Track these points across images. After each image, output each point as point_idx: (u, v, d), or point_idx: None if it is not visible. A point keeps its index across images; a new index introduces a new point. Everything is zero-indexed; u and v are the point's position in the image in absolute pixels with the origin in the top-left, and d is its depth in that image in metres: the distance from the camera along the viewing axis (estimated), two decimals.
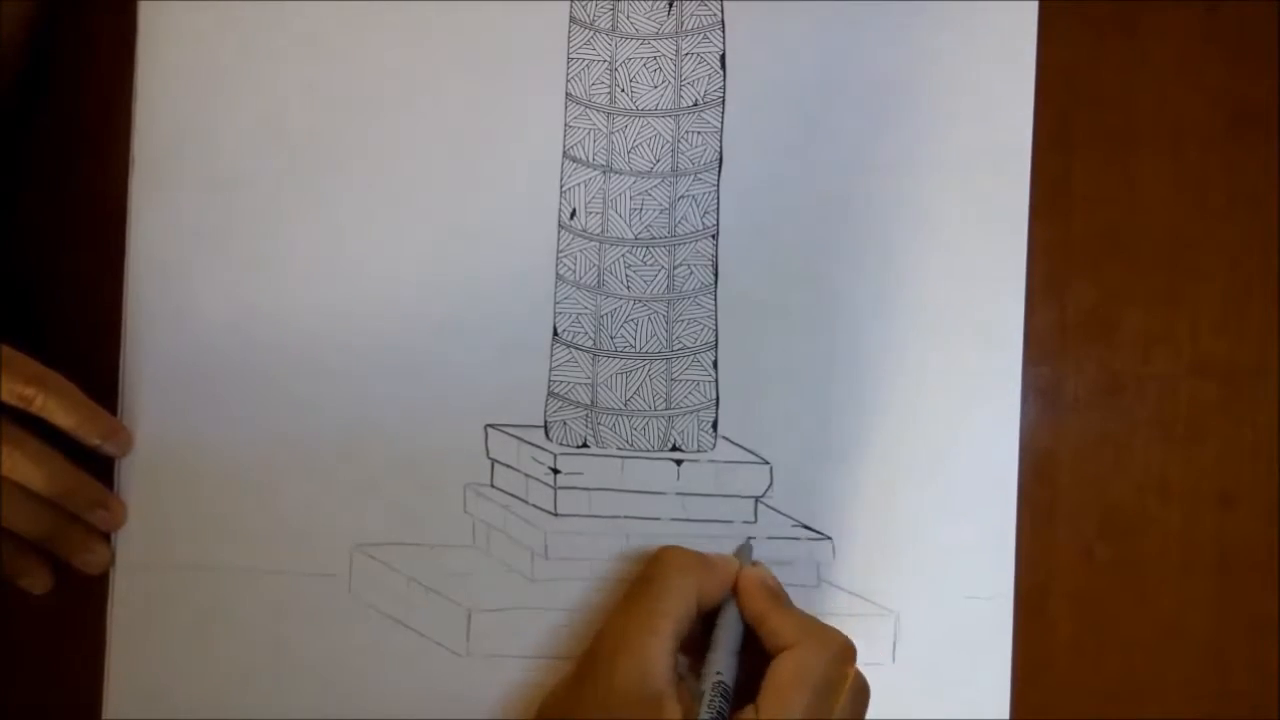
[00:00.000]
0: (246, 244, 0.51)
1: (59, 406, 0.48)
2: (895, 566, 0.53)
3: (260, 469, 0.51)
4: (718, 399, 0.52)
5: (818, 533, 0.52)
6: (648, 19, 0.52)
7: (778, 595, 0.49)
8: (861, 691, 0.46)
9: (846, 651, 0.46)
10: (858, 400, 0.53)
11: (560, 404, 0.52)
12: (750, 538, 0.51)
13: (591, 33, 0.52)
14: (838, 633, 0.47)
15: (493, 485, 0.52)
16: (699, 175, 0.52)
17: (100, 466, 0.50)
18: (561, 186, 0.52)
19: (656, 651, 0.45)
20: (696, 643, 0.48)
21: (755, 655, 0.47)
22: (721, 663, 0.46)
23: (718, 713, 0.44)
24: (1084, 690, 0.54)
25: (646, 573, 0.48)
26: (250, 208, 0.51)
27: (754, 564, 0.50)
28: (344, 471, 0.51)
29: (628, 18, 0.52)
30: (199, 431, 0.51)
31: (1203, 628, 0.55)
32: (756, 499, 0.52)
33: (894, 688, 0.52)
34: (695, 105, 0.52)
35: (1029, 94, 0.53)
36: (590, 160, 0.52)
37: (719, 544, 0.52)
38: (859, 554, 0.52)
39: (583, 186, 0.52)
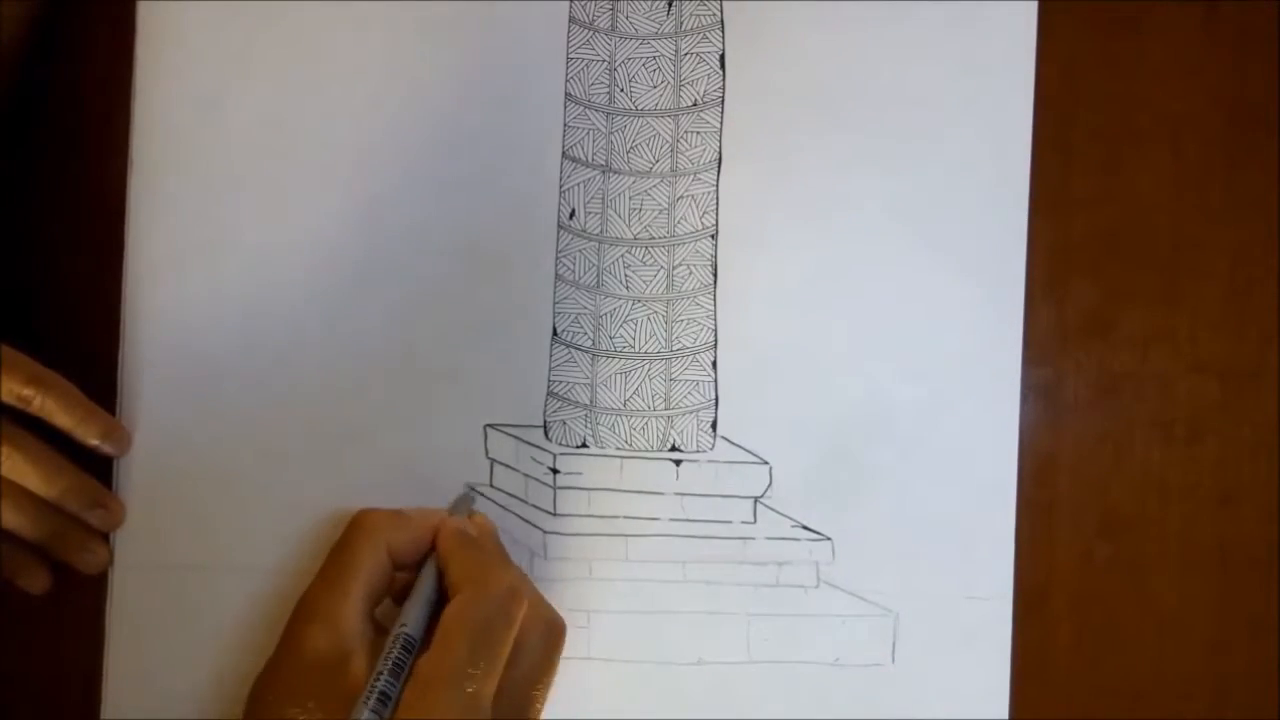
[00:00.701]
0: (246, 244, 0.51)
1: (58, 406, 0.48)
2: (895, 566, 0.52)
3: (259, 469, 0.51)
4: (717, 399, 0.52)
5: (818, 533, 0.52)
6: (647, 19, 0.52)
7: (471, 543, 0.48)
8: (551, 630, 0.47)
9: (509, 594, 0.45)
10: (857, 400, 0.53)
11: (559, 404, 0.52)
12: (471, 486, 0.51)
13: (591, 32, 0.52)
14: (504, 575, 0.46)
15: (492, 485, 0.52)
16: (698, 175, 0.52)
17: (100, 466, 0.50)
18: (561, 186, 0.52)
19: (345, 611, 0.46)
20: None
21: None
22: (410, 614, 0.45)
23: (394, 663, 0.44)
24: (1084, 690, 0.54)
25: (341, 538, 0.48)
26: (250, 208, 0.51)
27: (471, 515, 0.50)
28: (344, 471, 0.51)
29: (627, 18, 0.52)
30: (198, 431, 0.51)
31: (1203, 627, 0.55)
32: (756, 499, 0.52)
33: (894, 688, 0.52)
34: (695, 105, 0.52)
35: (1029, 94, 0.53)
36: (589, 160, 0.52)
37: (718, 545, 0.52)
38: (859, 554, 0.52)
39: (582, 186, 0.52)
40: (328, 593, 0.46)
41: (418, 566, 0.48)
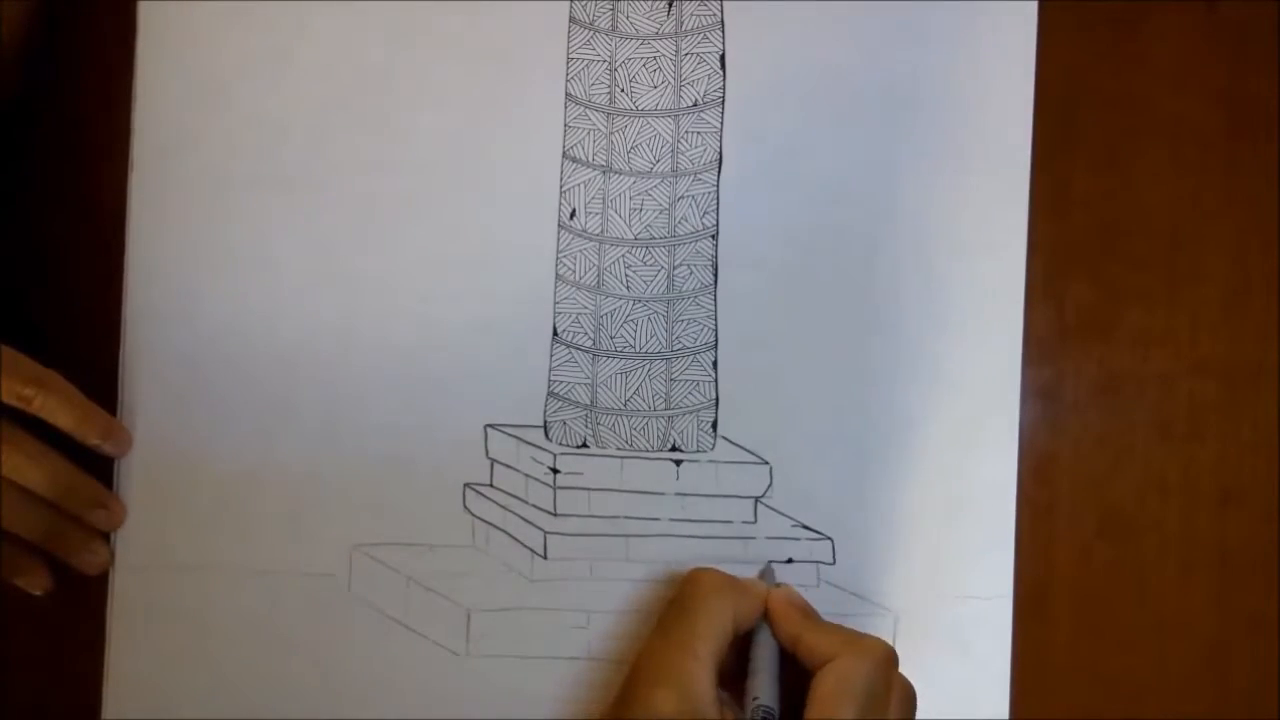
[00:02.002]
0: (246, 244, 0.51)
1: (58, 406, 0.48)
2: (895, 566, 0.52)
3: (259, 469, 0.51)
4: (717, 399, 0.52)
5: (818, 533, 0.52)
6: (648, 19, 0.52)
7: (808, 613, 0.48)
8: (909, 698, 0.46)
9: (888, 658, 0.45)
10: (857, 400, 0.53)
11: (560, 404, 0.52)
12: (770, 561, 0.51)
13: (591, 33, 0.52)
14: (877, 640, 0.46)
15: (492, 485, 0.52)
16: (699, 175, 0.52)
17: (100, 466, 0.50)
18: (561, 186, 0.52)
19: (697, 676, 0.44)
20: (731, 671, 0.47)
21: (792, 679, 0.46)
22: (761, 687, 0.45)
23: None
24: (1084, 690, 0.54)
25: (679, 596, 0.47)
26: (250, 208, 0.51)
27: (778, 585, 0.49)
28: (343, 471, 0.51)
29: (627, 18, 0.52)
30: (199, 431, 0.51)
31: (1203, 627, 0.55)
32: (756, 499, 0.52)
33: None
34: (695, 105, 0.52)
35: (1029, 94, 0.53)
36: (590, 160, 0.52)
37: (719, 545, 0.52)
38: (859, 554, 0.52)
39: (582, 186, 0.52)
40: (675, 654, 0.44)
41: (745, 637, 0.47)
